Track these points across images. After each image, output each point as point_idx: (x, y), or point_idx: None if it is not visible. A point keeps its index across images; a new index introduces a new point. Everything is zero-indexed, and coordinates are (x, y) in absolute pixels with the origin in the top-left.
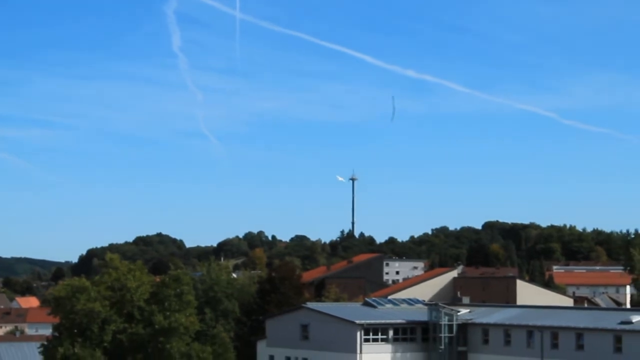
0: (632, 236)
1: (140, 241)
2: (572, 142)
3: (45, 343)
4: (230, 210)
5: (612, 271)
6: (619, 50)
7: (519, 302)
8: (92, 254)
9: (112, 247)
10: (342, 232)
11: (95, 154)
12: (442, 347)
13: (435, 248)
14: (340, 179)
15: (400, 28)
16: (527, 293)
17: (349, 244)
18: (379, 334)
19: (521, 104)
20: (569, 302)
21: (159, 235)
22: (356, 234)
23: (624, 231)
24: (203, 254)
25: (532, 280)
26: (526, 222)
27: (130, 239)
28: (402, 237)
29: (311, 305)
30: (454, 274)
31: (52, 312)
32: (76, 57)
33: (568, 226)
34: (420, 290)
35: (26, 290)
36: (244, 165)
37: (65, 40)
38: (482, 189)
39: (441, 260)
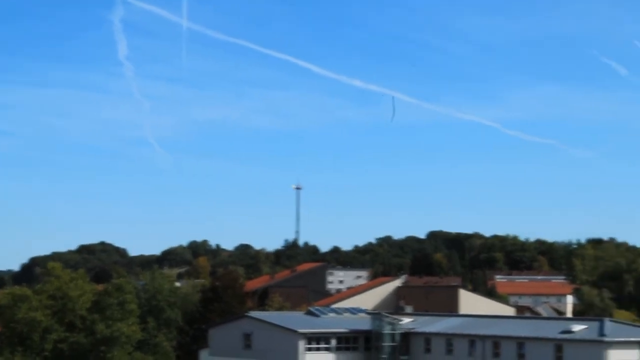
0: (574, 246)
1: (84, 250)
2: (515, 153)
3: None
4: (175, 219)
5: (553, 281)
6: (562, 61)
7: (461, 312)
8: (34, 262)
9: (55, 256)
10: (286, 241)
11: (38, 162)
12: (385, 355)
13: (379, 257)
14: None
15: (346, 38)
16: (470, 302)
17: (293, 253)
18: (322, 342)
19: (465, 114)
20: (511, 311)
21: (103, 243)
22: (300, 243)
23: (566, 241)
24: (147, 263)
25: (475, 289)
26: (470, 231)
27: (74, 248)
28: (346, 246)
29: (254, 314)
30: (397, 283)
31: None
32: (19, 63)
33: (511, 236)
34: (363, 299)
35: None
36: (189, 174)
37: (8, 45)
38: (427, 198)
39: (385, 270)
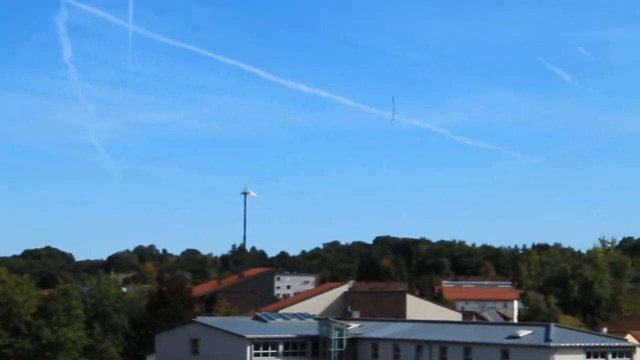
0: (520, 252)
1: (29, 254)
2: (462, 158)
3: None
4: (121, 224)
5: (500, 286)
6: (510, 67)
7: (408, 317)
8: None
9: (0, 261)
10: (234, 246)
11: None
12: None
13: (327, 262)
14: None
15: (293, 42)
16: (417, 307)
17: (241, 258)
18: (269, 348)
19: (413, 120)
20: (458, 316)
21: (48, 248)
22: (247, 248)
23: (512, 247)
24: (93, 268)
25: (421, 294)
26: (417, 237)
27: (18, 252)
28: (294, 251)
29: (201, 319)
30: (344, 288)
31: None
32: None
33: (457, 241)
34: (311, 304)
35: None
36: (135, 178)
37: None
38: (373, 204)
39: (332, 275)
